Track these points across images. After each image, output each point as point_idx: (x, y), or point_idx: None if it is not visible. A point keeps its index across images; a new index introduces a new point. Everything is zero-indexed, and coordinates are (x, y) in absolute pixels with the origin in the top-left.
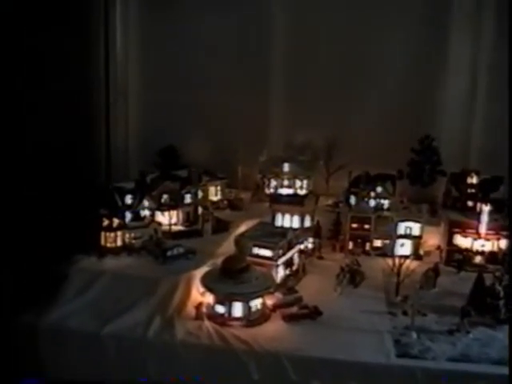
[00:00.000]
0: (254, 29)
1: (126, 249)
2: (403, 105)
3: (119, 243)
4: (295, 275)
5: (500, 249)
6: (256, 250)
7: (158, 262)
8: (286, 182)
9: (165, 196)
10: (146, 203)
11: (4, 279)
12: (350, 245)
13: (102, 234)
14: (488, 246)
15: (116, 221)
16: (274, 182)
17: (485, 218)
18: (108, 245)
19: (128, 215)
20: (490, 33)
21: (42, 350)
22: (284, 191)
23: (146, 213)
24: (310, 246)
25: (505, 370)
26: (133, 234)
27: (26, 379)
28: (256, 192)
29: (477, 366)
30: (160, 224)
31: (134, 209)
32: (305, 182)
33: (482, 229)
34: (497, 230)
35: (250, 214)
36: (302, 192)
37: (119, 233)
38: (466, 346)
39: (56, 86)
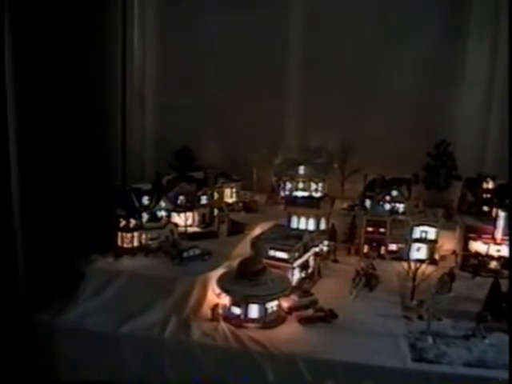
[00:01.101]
0: (269, 30)
1: (143, 249)
2: (419, 109)
3: (136, 244)
4: (310, 278)
5: None
6: (272, 253)
7: (174, 263)
8: (300, 185)
9: (181, 197)
10: (162, 204)
11: (21, 278)
12: (365, 248)
13: (119, 234)
14: (504, 251)
15: (133, 221)
16: (288, 185)
17: (501, 223)
18: (125, 245)
19: (145, 216)
20: (507, 38)
21: (58, 349)
22: (299, 194)
23: (162, 214)
24: (325, 248)
25: None
26: (149, 235)
27: None
28: (271, 194)
29: (492, 371)
30: (176, 225)
31: (151, 210)
32: (320, 184)
33: (498, 234)
34: None
35: (265, 216)
36: (317, 195)
37: (136, 233)
38: (482, 352)
39: (73, 88)
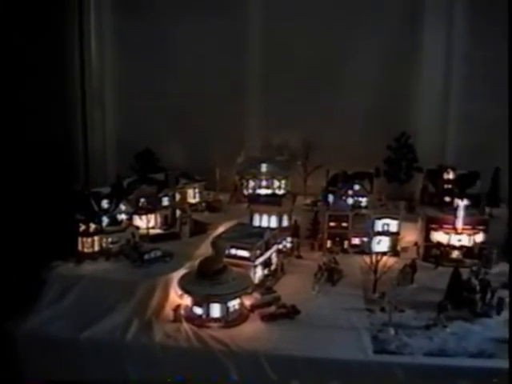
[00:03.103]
0: (230, 33)
1: (104, 253)
2: (379, 104)
3: (96, 248)
4: (274, 275)
5: (476, 243)
6: (233, 251)
7: (135, 266)
8: (264, 183)
9: (142, 200)
10: (122, 207)
11: None
12: (329, 243)
13: (79, 239)
14: (465, 240)
15: (93, 226)
16: (252, 183)
17: (461, 213)
18: (85, 250)
19: (105, 220)
20: (463, 32)
21: (22, 356)
22: (262, 192)
23: (122, 217)
24: (288, 245)
25: (481, 363)
26: (110, 239)
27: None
28: (234, 193)
29: (454, 359)
30: (137, 228)
31: (111, 213)
32: (283, 182)
33: (459, 224)
34: (473, 224)
35: (228, 215)
36: (280, 192)
37: (96, 238)
38: (443, 341)
39: (32, 95)
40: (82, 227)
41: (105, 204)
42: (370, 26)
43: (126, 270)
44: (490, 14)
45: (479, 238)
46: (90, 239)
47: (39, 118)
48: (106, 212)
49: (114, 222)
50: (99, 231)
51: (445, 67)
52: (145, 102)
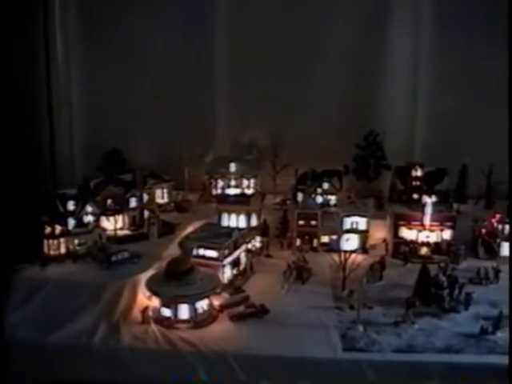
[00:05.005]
0: (197, 30)
1: (70, 256)
2: (347, 102)
3: (63, 250)
4: (243, 274)
5: (444, 239)
6: (201, 252)
7: (102, 268)
8: (233, 182)
9: (109, 201)
10: (89, 209)
11: None
12: (298, 242)
13: (45, 241)
14: (433, 237)
15: (58, 228)
16: (221, 183)
17: (429, 209)
18: (51, 252)
19: (71, 222)
20: (431, 30)
21: None
22: (231, 191)
23: (89, 218)
24: (257, 244)
25: (449, 358)
26: (77, 241)
27: None
28: (203, 193)
29: (422, 355)
30: (104, 229)
31: (77, 215)
32: (252, 181)
33: (427, 220)
34: (441, 221)
35: (197, 215)
36: (250, 191)
37: (62, 240)
38: (412, 337)
39: None
40: (48, 229)
41: (71, 205)
42: (336, 25)
43: (93, 272)
44: (456, 13)
45: (447, 234)
46: (55, 241)
47: (5, 119)
48: (72, 214)
49: (80, 223)
50: (65, 233)
51: (412, 66)
52: (112, 102)
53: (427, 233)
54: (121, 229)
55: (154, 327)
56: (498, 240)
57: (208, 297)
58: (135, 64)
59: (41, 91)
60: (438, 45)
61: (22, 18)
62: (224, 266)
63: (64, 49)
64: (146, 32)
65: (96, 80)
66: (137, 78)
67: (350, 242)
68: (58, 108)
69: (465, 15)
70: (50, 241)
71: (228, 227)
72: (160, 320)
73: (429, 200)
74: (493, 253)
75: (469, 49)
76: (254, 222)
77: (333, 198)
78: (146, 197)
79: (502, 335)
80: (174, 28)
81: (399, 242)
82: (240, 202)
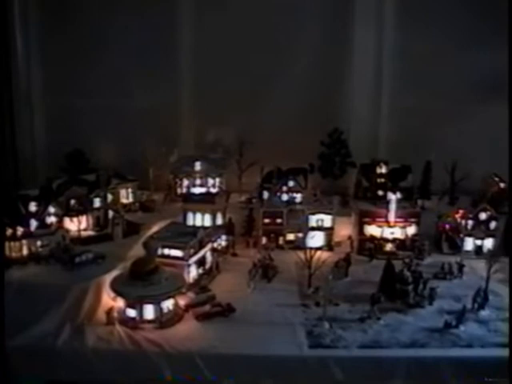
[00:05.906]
0: (162, 28)
1: (33, 257)
2: (311, 100)
3: (25, 252)
4: (209, 274)
5: (408, 235)
6: (166, 251)
7: (66, 269)
8: (198, 181)
9: (72, 201)
10: (51, 210)
11: None
12: (264, 240)
13: (6, 243)
14: (398, 233)
15: (20, 229)
16: (186, 182)
17: (393, 206)
18: (13, 254)
19: (33, 223)
20: (394, 26)
21: None
22: (197, 190)
23: (52, 219)
24: (223, 243)
25: (414, 353)
26: (39, 242)
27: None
28: (168, 192)
29: (387, 350)
30: (68, 230)
31: (39, 216)
32: (217, 179)
33: (391, 217)
34: (405, 217)
35: (162, 215)
36: (215, 190)
37: (24, 241)
38: (377, 333)
39: None
40: (9, 231)
41: (33, 207)
42: (300, 22)
43: (57, 273)
44: (420, 9)
45: (411, 230)
46: (17, 243)
47: None
48: (34, 215)
49: (43, 224)
50: (27, 235)
51: (376, 62)
52: (74, 101)
53: (392, 229)
54: (85, 229)
55: (119, 328)
56: (462, 235)
57: (173, 296)
58: (97, 63)
59: (1, 91)
60: (401, 43)
61: None
62: (189, 265)
63: (25, 48)
64: (108, 31)
65: (58, 80)
66: (99, 78)
67: (316, 240)
68: (19, 108)
69: (427, 14)
70: (12, 243)
71: (193, 226)
72: (125, 321)
73: (393, 197)
74: (456, 248)
75: (431, 46)
76: (219, 220)
77: (298, 196)
78: (110, 197)
79: (464, 329)
80: (136, 26)
81: (364, 238)
82: (205, 201)
